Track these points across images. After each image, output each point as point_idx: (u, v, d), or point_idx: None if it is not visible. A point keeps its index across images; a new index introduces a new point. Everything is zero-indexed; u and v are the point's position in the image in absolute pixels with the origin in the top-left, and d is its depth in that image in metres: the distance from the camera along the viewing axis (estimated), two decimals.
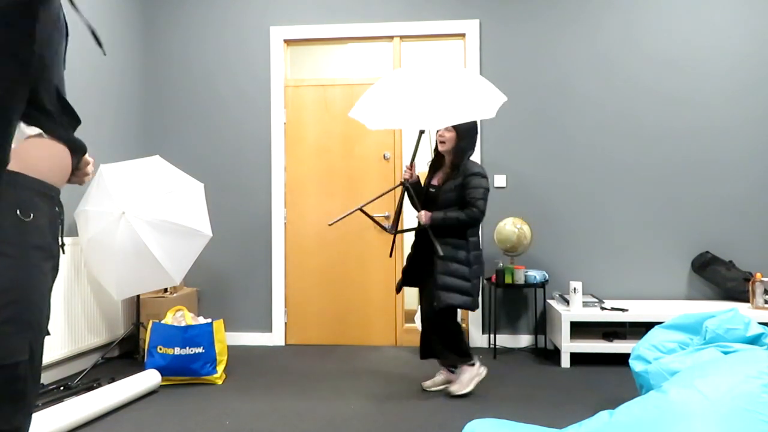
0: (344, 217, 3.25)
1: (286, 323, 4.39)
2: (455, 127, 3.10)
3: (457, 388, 3.07)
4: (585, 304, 3.83)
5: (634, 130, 4.19)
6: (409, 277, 3.27)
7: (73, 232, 3.60)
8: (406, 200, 3.22)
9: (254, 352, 4.14)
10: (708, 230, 4.14)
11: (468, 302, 3.05)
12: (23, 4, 1.07)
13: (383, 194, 3.34)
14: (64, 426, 2.48)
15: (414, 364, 3.74)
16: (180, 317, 3.45)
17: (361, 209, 3.19)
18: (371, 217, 3.19)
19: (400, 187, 3.23)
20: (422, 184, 3.27)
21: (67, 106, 1.27)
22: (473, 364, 3.12)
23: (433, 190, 3.19)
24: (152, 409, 2.89)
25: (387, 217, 3.91)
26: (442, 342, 3.12)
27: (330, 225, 3.35)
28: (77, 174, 1.36)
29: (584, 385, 3.26)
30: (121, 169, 3.48)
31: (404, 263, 3.33)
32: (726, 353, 2.29)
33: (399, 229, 3.17)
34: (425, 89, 2.93)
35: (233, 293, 4.41)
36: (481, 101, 2.92)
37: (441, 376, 3.23)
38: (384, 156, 3.32)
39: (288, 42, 4.46)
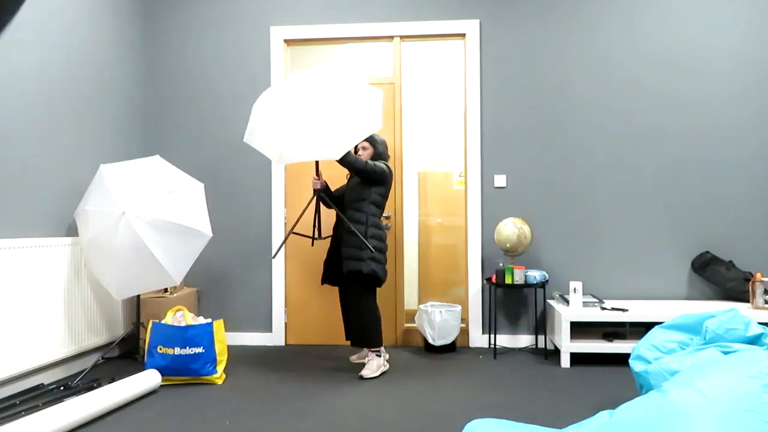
0: (282, 245, 3.48)
1: (286, 323, 4.40)
2: (371, 142, 3.62)
3: (368, 373, 3.43)
4: (585, 304, 3.83)
5: (634, 130, 4.19)
6: (329, 275, 3.73)
7: (73, 232, 3.60)
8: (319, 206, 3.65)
9: (254, 352, 4.15)
10: (708, 230, 4.14)
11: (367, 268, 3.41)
12: None
13: (305, 209, 3.55)
14: (64, 426, 2.48)
15: (414, 364, 3.74)
16: (180, 317, 3.45)
17: (293, 232, 3.75)
18: (301, 234, 3.59)
19: (316, 197, 3.58)
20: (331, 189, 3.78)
21: None
22: (380, 354, 3.52)
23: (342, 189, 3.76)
24: (152, 409, 2.89)
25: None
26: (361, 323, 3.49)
27: (273, 258, 3.56)
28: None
29: (584, 385, 3.26)
30: (121, 169, 3.48)
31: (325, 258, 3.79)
32: (726, 353, 2.29)
33: (323, 235, 3.56)
34: (314, 118, 3.17)
35: (233, 293, 4.41)
36: (363, 120, 3.22)
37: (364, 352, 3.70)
38: None
39: (288, 42, 4.46)
